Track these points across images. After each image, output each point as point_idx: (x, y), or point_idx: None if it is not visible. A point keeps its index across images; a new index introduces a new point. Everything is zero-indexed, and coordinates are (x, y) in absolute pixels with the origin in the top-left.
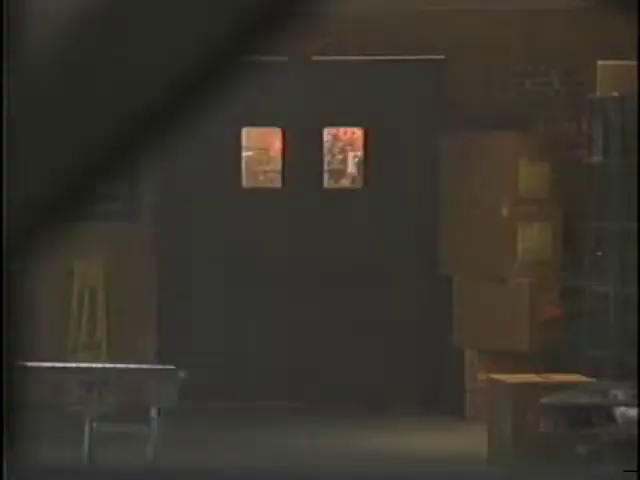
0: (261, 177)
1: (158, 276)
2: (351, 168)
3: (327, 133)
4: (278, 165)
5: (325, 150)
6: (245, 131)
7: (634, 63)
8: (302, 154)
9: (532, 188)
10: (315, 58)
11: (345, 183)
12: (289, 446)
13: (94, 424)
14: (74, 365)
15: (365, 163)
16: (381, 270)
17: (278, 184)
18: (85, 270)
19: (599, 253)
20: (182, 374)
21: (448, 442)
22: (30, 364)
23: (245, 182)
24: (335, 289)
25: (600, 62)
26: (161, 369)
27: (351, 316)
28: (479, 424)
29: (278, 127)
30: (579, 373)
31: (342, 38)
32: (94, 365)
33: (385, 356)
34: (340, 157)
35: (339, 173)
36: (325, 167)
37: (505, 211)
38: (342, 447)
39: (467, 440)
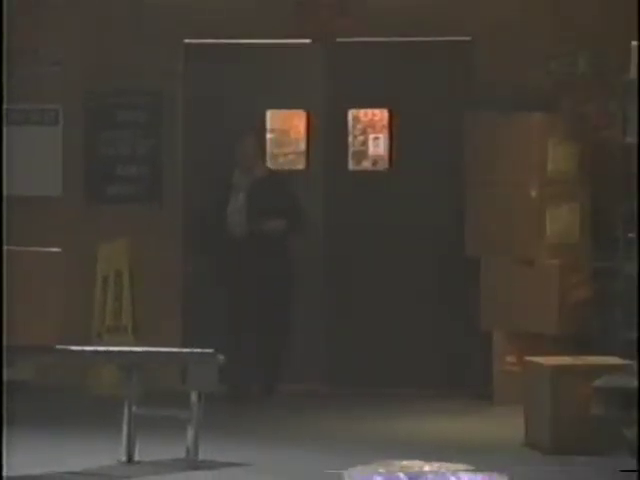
0: (281, 159)
1: (183, 258)
2: (372, 150)
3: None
4: (299, 147)
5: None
6: (269, 113)
7: None
8: (326, 136)
9: (561, 169)
10: (340, 39)
11: (366, 165)
12: (317, 431)
13: (133, 408)
14: (114, 349)
15: (391, 145)
16: (408, 253)
17: (299, 166)
18: (110, 253)
19: (631, 235)
20: (221, 358)
21: (479, 426)
22: (72, 348)
23: (268, 164)
24: (361, 272)
25: (634, 42)
26: (200, 352)
27: (377, 299)
28: (508, 407)
29: (302, 109)
30: (611, 355)
31: (367, 19)
32: (132, 348)
33: (412, 339)
34: (361, 139)
35: (360, 155)
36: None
37: (534, 192)
38: (372, 432)
39: (498, 424)
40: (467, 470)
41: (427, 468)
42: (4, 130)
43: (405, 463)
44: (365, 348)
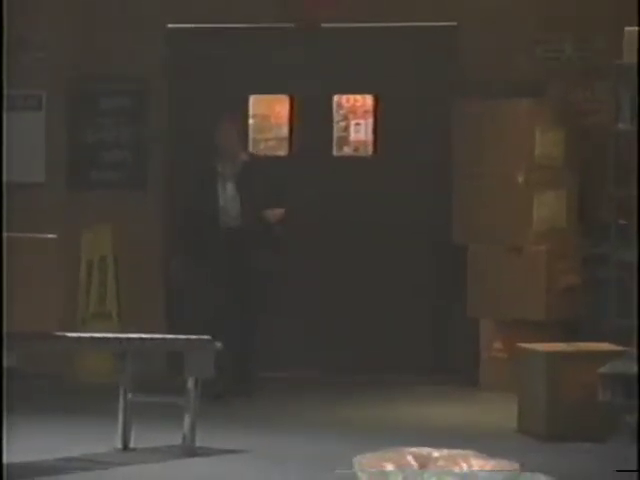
0: (262, 145)
1: (166, 243)
2: (354, 136)
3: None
4: (280, 133)
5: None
6: (252, 99)
7: None
8: (310, 122)
9: (548, 155)
10: (325, 25)
11: (347, 151)
12: (303, 417)
13: (128, 395)
14: (110, 335)
15: (376, 131)
16: (396, 240)
17: (280, 152)
18: (94, 239)
19: (622, 221)
20: (218, 344)
21: (470, 412)
22: (69, 334)
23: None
24: (346, 258)
25: (628, 28)
26: (197, 339)
27: (363, 286)
28: (495, 393)
29: (285, 94)
30: (600, 341)
31: (352, 5)
32: (129, 335)
33: (398, 326)
34: (343, 124)
35: (342, 141)
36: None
37: (521, 179)
38: (365, 418)
39: (488, 410)
40: (477, 456)
41: (436, 454)
42: (4, 117)
43: (414, 450)
44: (349, 335)
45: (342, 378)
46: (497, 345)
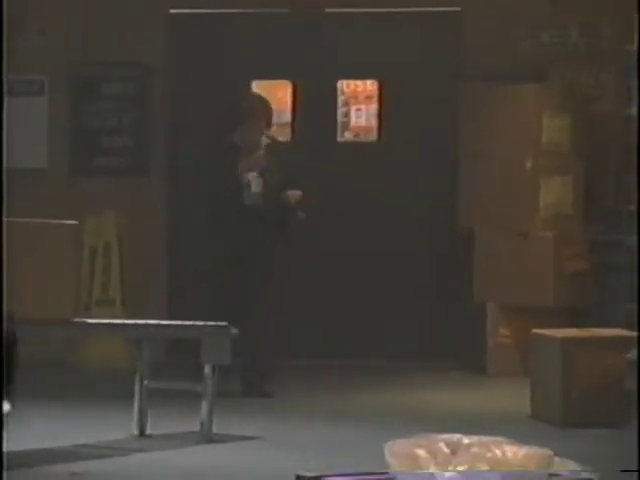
0: None
1: (169, 230)
2: (355, 121)
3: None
4: (281, 118)
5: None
6: (255, 84)
7: None
8: (313, 108)
9: (555, 141)
10: (329, 10)
11: (348, 136)
12: (307, 404)
13: (144, 381)
14: (128, 322)
15: (380, 116)
16: (400, 226)
17: (281, 138)
18: (97, 225)
19: (631, 206)
20: (235, 331)
21: (480, 398)
22: (88, 321)
23: None
24: (353, 243)
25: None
26: (214, 325)
27: (367, 271)
28: (503, 379)
29: (288, 79)
30: (608, 327)
31: None
32: (147, 321)
33: (403, 312)
34: (344, 110)
35: (343, 126)
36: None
37: (528, 164)
38: (378, 405)
39: (498, 396)
40: (509, 443)
41: (467, 441)
42: (4, 102)
43: (445, 436)
44: (354, 321)
45: (346, 365)
46: (504, 331)
